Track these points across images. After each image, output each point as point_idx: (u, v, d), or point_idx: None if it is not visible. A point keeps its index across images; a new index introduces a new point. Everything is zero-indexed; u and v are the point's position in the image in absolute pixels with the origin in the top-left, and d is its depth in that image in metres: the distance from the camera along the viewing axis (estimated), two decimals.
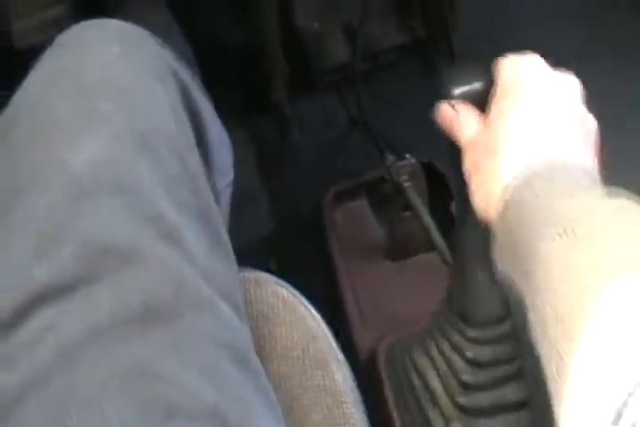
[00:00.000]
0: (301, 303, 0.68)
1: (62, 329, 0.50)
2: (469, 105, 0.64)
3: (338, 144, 1.27)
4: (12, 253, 0.53)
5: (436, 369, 0.88)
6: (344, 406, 0.65)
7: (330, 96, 1.30)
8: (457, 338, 0.86)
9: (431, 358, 0.89)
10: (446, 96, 0.66)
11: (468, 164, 0.61)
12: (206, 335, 0.53)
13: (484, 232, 0.79)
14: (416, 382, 0.89)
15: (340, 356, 0.65)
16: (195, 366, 0.51)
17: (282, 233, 1.19)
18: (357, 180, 1.18)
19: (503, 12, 1.34)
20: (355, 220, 1.17)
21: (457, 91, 0.66)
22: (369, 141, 1.19)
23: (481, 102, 0.64)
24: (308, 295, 0.70)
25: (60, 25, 0.82)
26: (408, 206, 1.06)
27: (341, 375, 0.64)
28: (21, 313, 0.51)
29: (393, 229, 1.13)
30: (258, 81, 1.25)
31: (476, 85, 0.66)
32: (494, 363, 0.86)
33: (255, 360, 0.57)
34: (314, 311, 0.67)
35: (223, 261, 0.60)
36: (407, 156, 1.07)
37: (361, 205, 1.18)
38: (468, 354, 0.85)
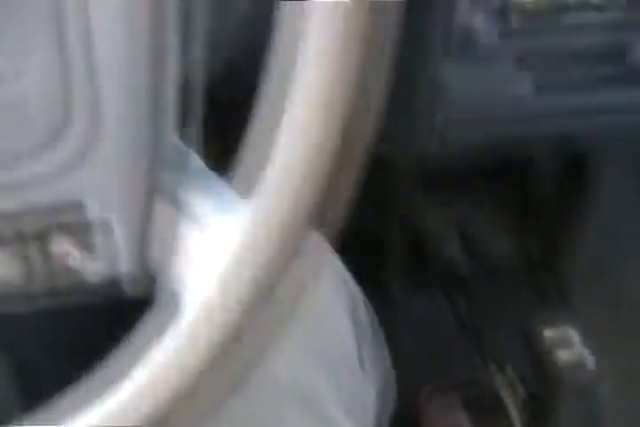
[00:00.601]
0: None
1: None
2: None
3: (441, 344, 1.32)
4: None
5: None
6: None
7: (439, 294, 1.36)
8: None
9: None
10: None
11: None
12: None
13: None
14: None
15: None
16: None
17: None
18: (455, 381, 1.23)
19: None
20: (447, 419, 1.20)
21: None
22: (473, 346, 1.24)
23: None
24: None
25: None
26: (505, 417, 1.10)
27: None
28: None
29: None
30: (370, 261, 1.31)
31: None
32: None
33: None
34: None
35: None
36: (509, 369, 1.12)
37: (455, 405, 1.22)
38: None
